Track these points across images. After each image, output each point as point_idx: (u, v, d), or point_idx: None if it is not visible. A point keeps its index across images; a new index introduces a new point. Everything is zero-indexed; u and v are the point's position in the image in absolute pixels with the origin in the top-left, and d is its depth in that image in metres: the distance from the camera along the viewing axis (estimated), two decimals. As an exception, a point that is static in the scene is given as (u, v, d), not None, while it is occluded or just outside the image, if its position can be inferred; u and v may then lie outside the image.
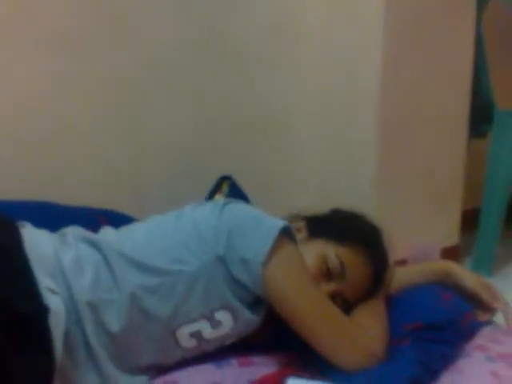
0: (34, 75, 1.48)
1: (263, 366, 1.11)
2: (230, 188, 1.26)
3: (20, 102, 1.48)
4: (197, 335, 1.05)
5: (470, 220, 2.01)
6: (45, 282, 0.94)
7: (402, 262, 1.68)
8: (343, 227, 1.18)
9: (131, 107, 1.64)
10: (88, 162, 1.61)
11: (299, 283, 1.04)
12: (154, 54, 1.65)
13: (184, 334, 1.04)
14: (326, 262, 1.11)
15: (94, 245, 1.06)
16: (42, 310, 0.90)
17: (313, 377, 1.04)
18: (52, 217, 1.21)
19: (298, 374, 1.04)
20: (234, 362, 1.13)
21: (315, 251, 1.12)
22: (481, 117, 2.04)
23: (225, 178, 1.28)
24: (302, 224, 1.20)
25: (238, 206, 1.14)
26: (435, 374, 1.07)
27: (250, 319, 1.08)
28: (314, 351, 1.07)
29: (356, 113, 1.77)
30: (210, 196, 1.43)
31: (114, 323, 0.99)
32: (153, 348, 1.04)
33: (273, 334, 1.19)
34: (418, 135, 1.79)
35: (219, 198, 1.30)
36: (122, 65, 1.61)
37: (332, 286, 1.10)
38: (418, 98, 1.77)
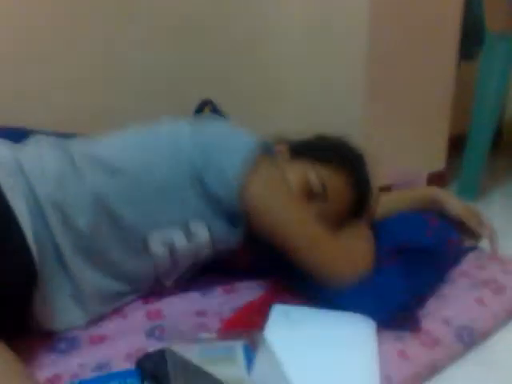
0: None
1: (248, 294, 1.11)
2: (212, 112, 1.21)
3: None
4: (169, 244, 1.02)
5: (458, 145, 1.99)
6: (7, 183, 0.90)
7: (388, 189, 1.67)
8: (326, 150, 1.15)
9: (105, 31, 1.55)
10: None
11: (279, 197, 1.01)
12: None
13: (155, 240, 1.01)
14: (308, 182, 1.09)
15: (60, 147, 1.02)
16: (10, 212, 0.87)
17: (299, 304, 1.04)
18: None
19: (284, 301, 1.05)
20: (218, 289, 1.13)
21: (297, 172, 1.10)
22: (472, 38, 1.98)
23: (206, 103, 1.22)
24: (285, 146, 1.17)
25: (216, 122, 1.11)
26: (422, 300, 1.07)
27: (227, 235, 1.05)
28: (299, 279, 1.06)
29: (343, 36, 1.70)
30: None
31: (81, 220, 0.96)
32: (122, 250, 1.01)
33: (254, 262, 1.18)
34: (407, 58, 1.73)
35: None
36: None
37: (314, 207, 1.08)
38: (407, 19, 1.69)
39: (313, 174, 1.09)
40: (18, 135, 1.11)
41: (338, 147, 1.17)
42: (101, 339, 0.95)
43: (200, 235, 1.03)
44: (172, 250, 1.03)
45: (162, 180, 1.00)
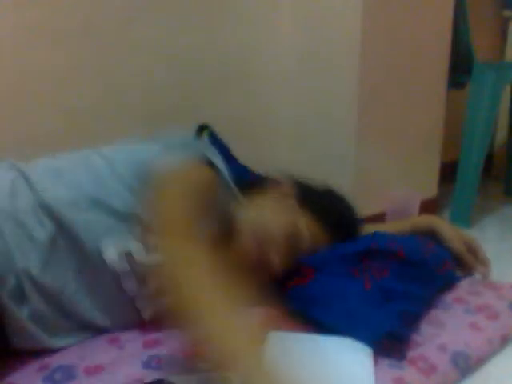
0: None
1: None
2: (209, 137, 1.22)
3: None
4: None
5: (449, 172, 2.01)
6: None
7: (381, 216, 1.68)
8: (329, 213, 1.17)
9: (101, 57, 1.57)
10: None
11: None
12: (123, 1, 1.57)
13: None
14: (297, 234, 1.11)
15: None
16: None
17: (294, 329, 1.04)
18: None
19: (279, 327, 1.04)
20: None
21: (291, 216, 1.12)
22: (460, 67, 2.01)
23: (203, 127, 1.24)
24: (291, 190, 1.18)
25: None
26: (410, 324, 1.07)
27: None
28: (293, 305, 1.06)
29: (334, 64, 1.73)
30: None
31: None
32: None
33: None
34: (397, 87, 1.75)
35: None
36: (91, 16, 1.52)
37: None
38: (397, 48, 1.72)
39: (305, 229, 1.12)
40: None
41: (339, 212, 1.21)
42: (97, 369, 0.94)
43: None
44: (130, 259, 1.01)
45: None
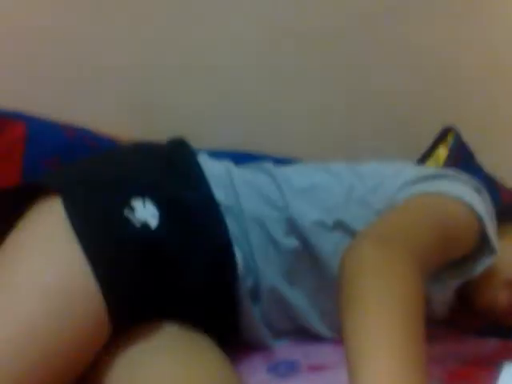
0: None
1: (474, 347, 1.01)
2: (454, 139, 1.13)
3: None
4: None
5: None
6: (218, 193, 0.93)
7: None
8: None
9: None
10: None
11: None
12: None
13: None
14: None
15: (267, 171, 1.03)
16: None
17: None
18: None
19: None
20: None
21: None
22: None
23: (449, 129, 1.15)
24: None
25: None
26: None
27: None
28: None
29: None
30: (434, 146, 1.29)
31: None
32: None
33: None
34: None
35: (443, 150, 1.18)
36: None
37: None
38: None
39: None
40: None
41: None
42: (320, 368, 0.92)
43: None
44: None
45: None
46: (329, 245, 0.95)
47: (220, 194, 0.93)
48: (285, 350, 0.98)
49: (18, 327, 0.71)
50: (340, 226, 0.96)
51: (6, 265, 0.77)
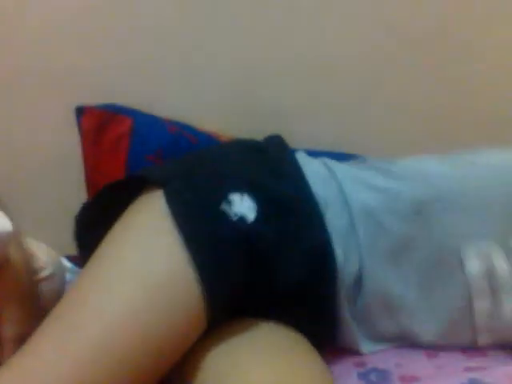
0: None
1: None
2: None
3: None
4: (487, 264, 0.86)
5: None
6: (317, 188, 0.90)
7: None
8: None
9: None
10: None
11: None
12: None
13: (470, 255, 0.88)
14: None
15: (370, 164, 1.01)
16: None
17: None
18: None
19: None
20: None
21: None
22: None
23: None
24: None
25: None
26: None
27: None
28: None
29: None
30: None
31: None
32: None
33: None
34: None
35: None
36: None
37: None
38: None
39: None
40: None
41: None
42: (412, 379, 0.88)
43: None
44: (491, 272, 0.87)
45: None
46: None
47: (319, 188, 0.91)
48: (377, 357, 0.95)
49: (120, 316, 0.73)
50: None
51: (111, 257, 0.80)
